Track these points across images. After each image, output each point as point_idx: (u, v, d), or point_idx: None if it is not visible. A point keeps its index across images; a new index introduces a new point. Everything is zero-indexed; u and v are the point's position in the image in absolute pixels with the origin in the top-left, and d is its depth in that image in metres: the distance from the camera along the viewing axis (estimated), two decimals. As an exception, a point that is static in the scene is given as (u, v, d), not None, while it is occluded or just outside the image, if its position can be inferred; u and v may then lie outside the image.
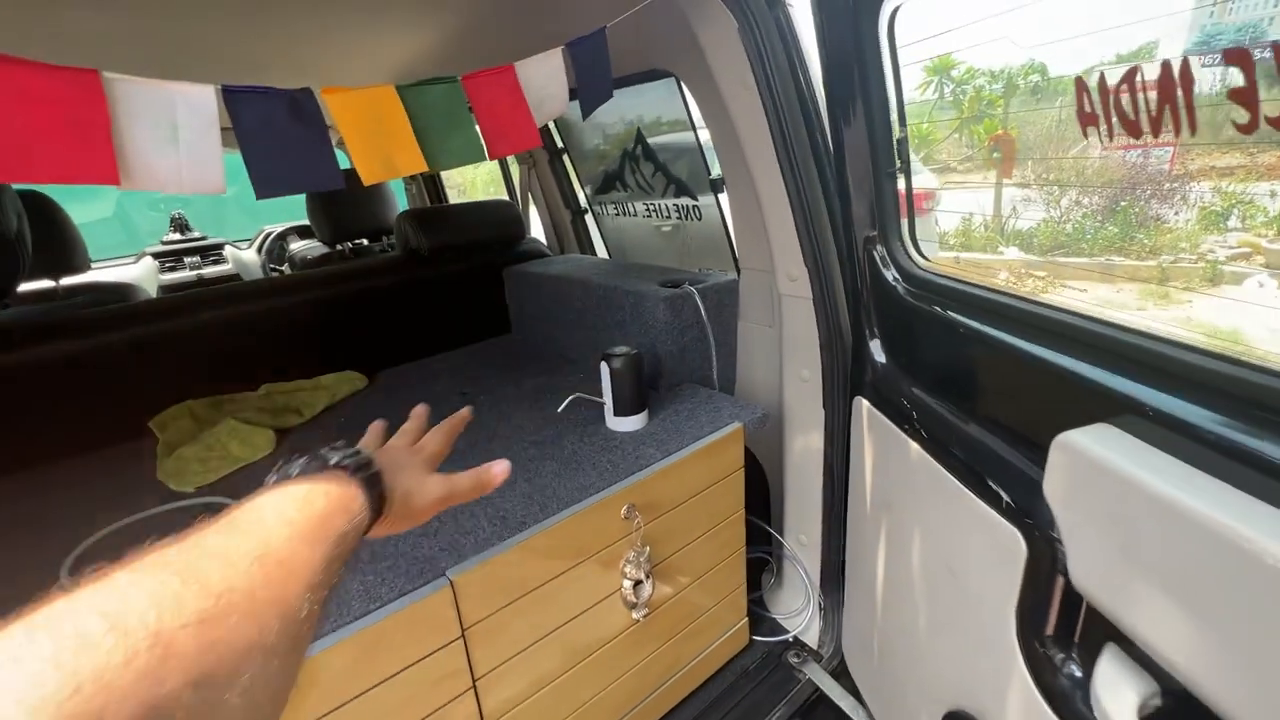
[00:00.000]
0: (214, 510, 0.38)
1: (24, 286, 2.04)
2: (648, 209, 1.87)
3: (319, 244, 3.56)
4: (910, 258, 0.96)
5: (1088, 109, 0.56)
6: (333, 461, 0.47)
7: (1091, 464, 0.57)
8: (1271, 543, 0.43)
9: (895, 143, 0.90)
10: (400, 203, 2.77)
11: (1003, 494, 0.73)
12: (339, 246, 2.76)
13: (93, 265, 2.43)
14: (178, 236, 3.46)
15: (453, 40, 1.46)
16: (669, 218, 1.81)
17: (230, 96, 0.69)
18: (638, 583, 1.09)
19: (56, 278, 1.94)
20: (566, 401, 1.22)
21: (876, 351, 1.06)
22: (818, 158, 1.12)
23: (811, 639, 1.45)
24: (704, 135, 1.59)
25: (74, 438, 1.33)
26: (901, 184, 0.95)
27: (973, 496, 0.77)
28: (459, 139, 0.88)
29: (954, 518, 0.82)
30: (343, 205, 2.35)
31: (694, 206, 1.71)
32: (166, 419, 1.36)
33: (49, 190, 1.83)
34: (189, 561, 0.30)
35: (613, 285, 1.50)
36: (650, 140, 1.73)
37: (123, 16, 1.06)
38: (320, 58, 1.54)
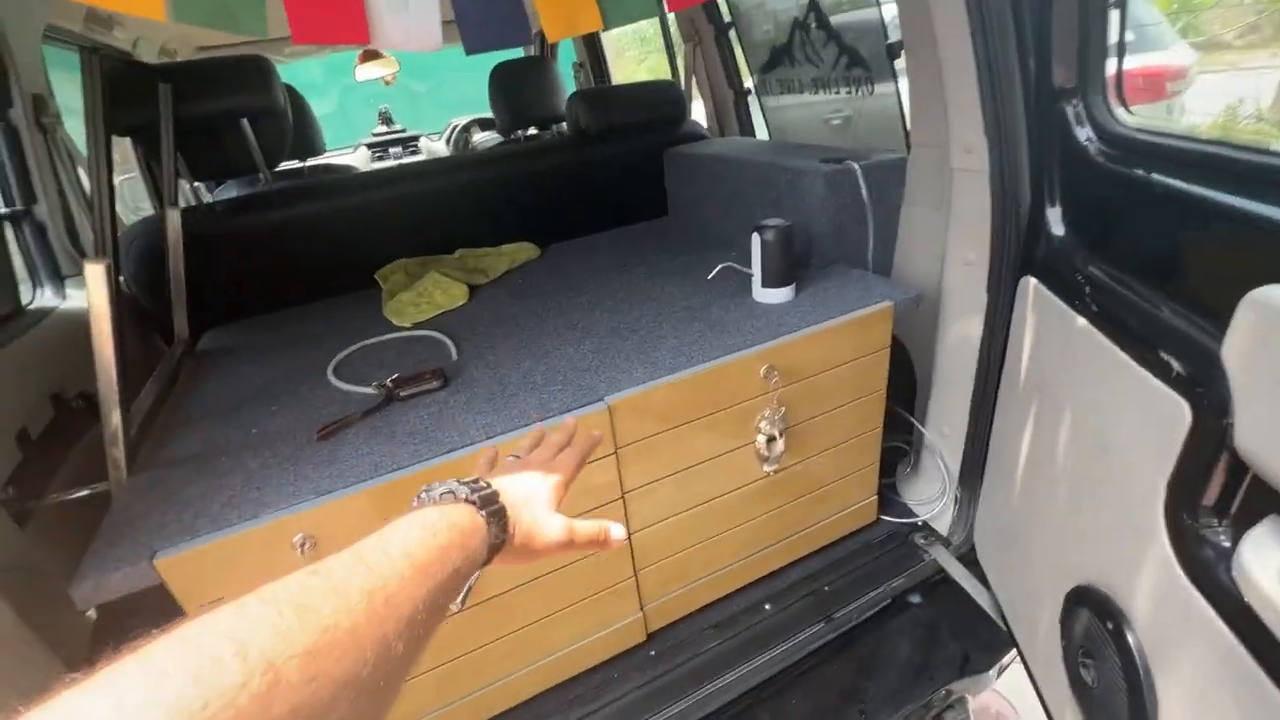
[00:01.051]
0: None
1: (281, 166, 2.51)
2: (815, 86, 1.77)
3: (496, 135, 3.85)
4: (1111, 114, 0.85)
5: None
6: (462, 496, 0.48)
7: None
8: None
9: (1112, -30, 0.78)
10: (569, 89, 2.87)
11: (1174, 364, 0.68)
12: (514, 134, 2.96)
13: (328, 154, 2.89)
14: (384, 129, 3.93)
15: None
16: (838, 93, 1.70)
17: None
18: (771, 439, 1.18)
19: (303, 159, 2.35)
20: (717, 269, 1.28)
21: (1054, 224, 0.98)
22: (1015, 1, 0.99)
23: (942, 527, 1.46)
24: (887, 10, 1.46)
25: (322, 283, 1.68)
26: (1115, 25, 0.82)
27: (1139, 368, 0.72)
28: (633, -4, 0.92)
29: (1115, 393, 0.78)
30: (519, 93, 2.50)
31: (866, 80, 1.59)
32: (387, 272, 1.65)
33: (294, 87, 2.18)
34: (309, 590, 0.32)
35: (769, 162, 1.49)
36: (832, 15, 1.61)
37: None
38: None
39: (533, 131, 2.92)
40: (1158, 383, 0.70)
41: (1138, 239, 0.80)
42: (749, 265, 1.29)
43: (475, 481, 0.51)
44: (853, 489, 1.41)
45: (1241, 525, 0.61)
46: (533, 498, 0.56)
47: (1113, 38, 0.85)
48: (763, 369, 1.12)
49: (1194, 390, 0.66)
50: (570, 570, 1.10)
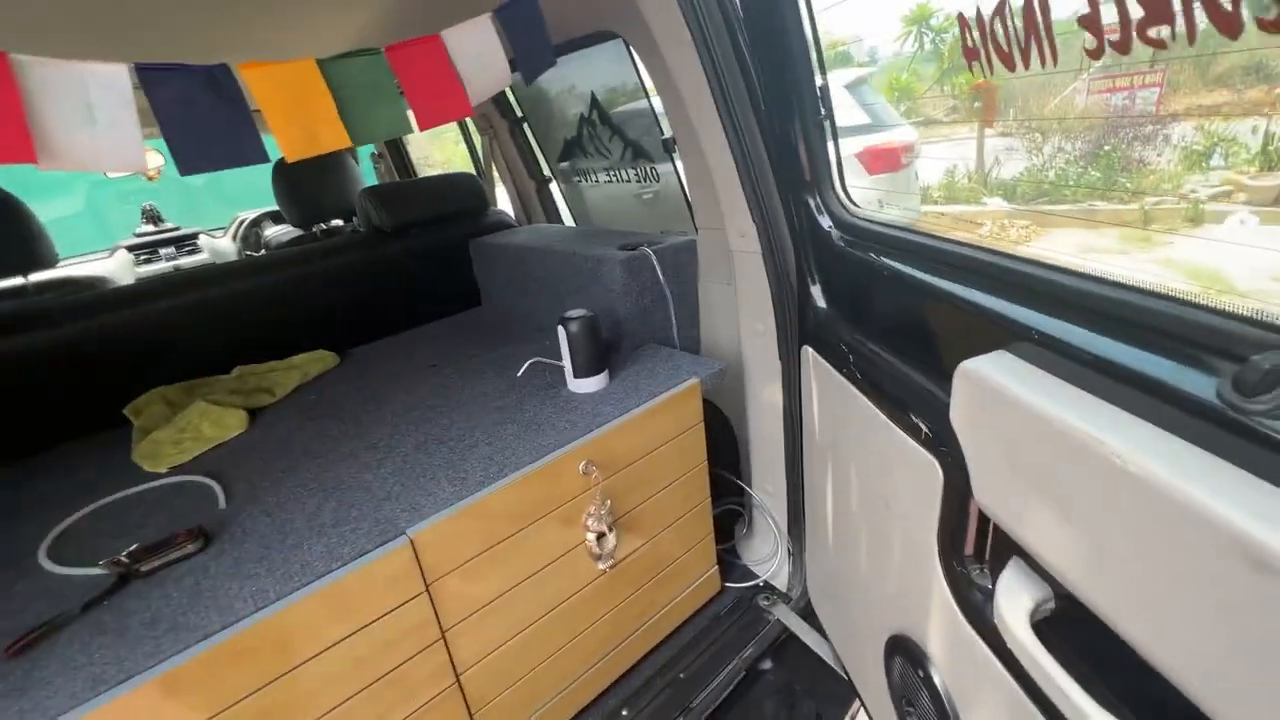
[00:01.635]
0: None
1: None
2: (608, 174, 1.87)
3: (290, 228, 3.55)
4: (842, 205, 0.98)
5: (970, 44, 0.58)
6: None
7: (985, 387, 0.60)
8: (1128, 448, 0.47)
9: (818, 90, 0.91)
10: (369, 181, 2.75)
11: (922, 425, 0.76)
12: (312, 229, 2.75)
13: (66, 261, 2.43)
14: (151, 228, 3.44)
15: (379, 15, 1.44)
16: (628, 182, 1.81)
17: (144, 75, 0.70)
18: (600, 535, 1.13)
19: (25, 274, 1.95)
20: (525, 366, 1.25)
21: (818, 298, 1.09)
22: (756, 110, 1.12)
23: (781, 582, 1.51)
24: (657, 102, 1.59)
25: (50, 428, 1.36)
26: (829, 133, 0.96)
27: (898, 430, 0.80)
28: (385, 112, 0.89)
29: (885, 452, 0.85)
30: (309, 187, 2.33)
31: (652, 169, 1.71)
32: (140, 405, 1.38)
33: (8, 185, 1.82)
34: None
35: (572, 251, 1.51)
36: (611, 110, 1.72)
37: None
38: (239, 34, 1.51)
39: (336, 223, 2.74)
40: (913, 443, 0.78)
41: (878, 313, 0.91)
42: (560, 356, 1.27)
43: None
44: (693, 564, 1.40)
45: (997, 568, 0.68)
46: None
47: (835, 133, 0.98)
48: (581, 464, 1.08)
49: (939, 449, 0.73)
50: (388, 738, 0.94)
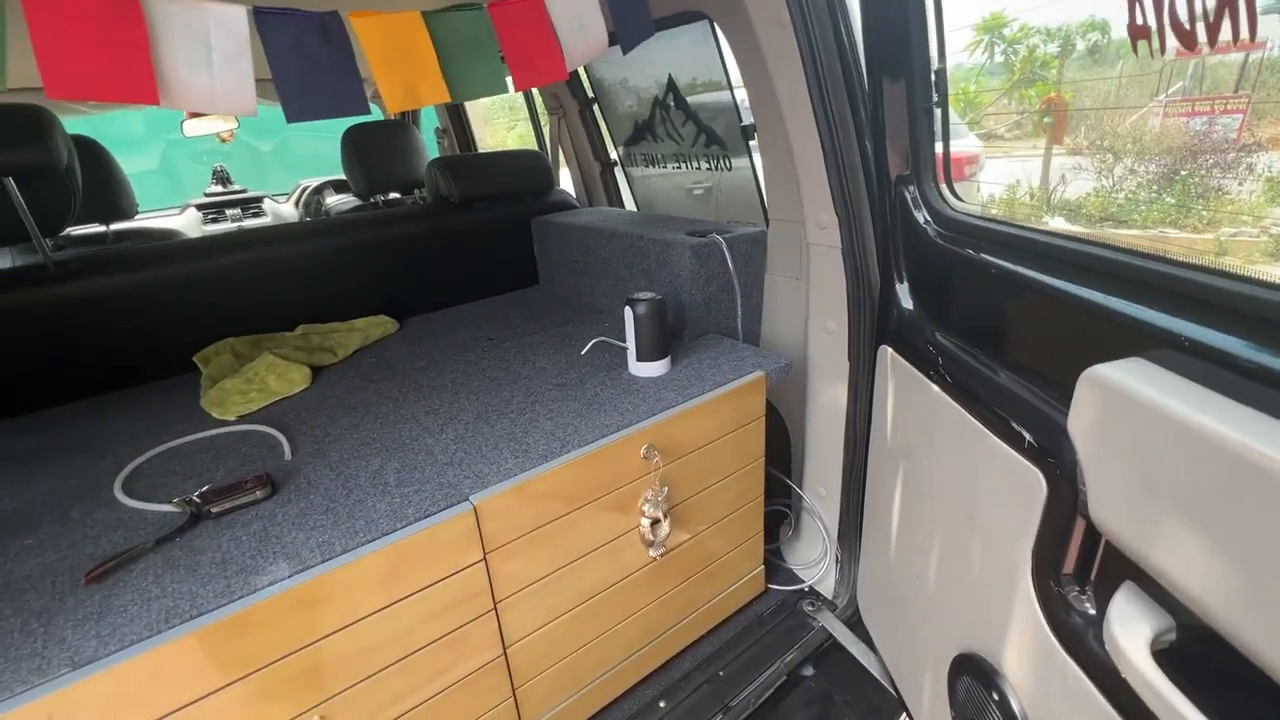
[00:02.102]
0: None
1: (76, 230, 2.14)
2: (677, 161, 1.84)
3: (353, 198, 3.62)
4: (943, 198, 0.93)
5: (1139, 20, 0.53)
6: None
7: (1118, 396, 0.56)
8: (1301, 468, 0.42)
9: (933, 75, 0.87)
10: (432, 155, 2.78)
11: (1025, 434, 0.72)
12: (372, 199, 2.79)
13: (141, 215, 2.51)
14: (219, 189, 3.55)
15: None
16: (697, 169, 1.78)
17: (260, 18, 0.69)
18: (655, 521, 1.11)
19: (106, 222, 2.02)
20: (590, 344, 1.23)
21: (903, 297, 1.04)
22: (852, 98, 1.08)
23: (827, 589, 1.47)
24: (740, 92, 1.55)
25: (125, 370, 1.40)
26: (939, 121, 0.91)
27: (995, 439, 0.76)
28: (483, 69, 0.88)
29: (974, 461, 0.81)
30: (376, 158, 2.36)
31: (724, 156, 1.67)
32: (209, 354, 1.42)
33: (97, 138, 1.89)
34: None
35: (639, 234, 1.49)
36: (688, 94, 1.69)
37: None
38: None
39: (395, 195, 2.77)
40: (1013, 453, 0.73)
41: (979, 314, 0.86)
42: (622, 338, 1.25)
43: None
44: (740, 561, 1.37)
45: (1104, 592, 0.64)
46: None
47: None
48: (643, 448, 1.06)
49: (1046, 461, 0.69)
50: (441, 703, 0.94)
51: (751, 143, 1.57)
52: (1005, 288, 0.78)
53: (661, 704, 1.22)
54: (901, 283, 1.04)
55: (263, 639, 0.75)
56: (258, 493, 0.91)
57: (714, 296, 1.41)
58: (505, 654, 1.00)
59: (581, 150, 2.14)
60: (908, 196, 0.97)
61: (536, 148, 2.51)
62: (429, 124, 3.24)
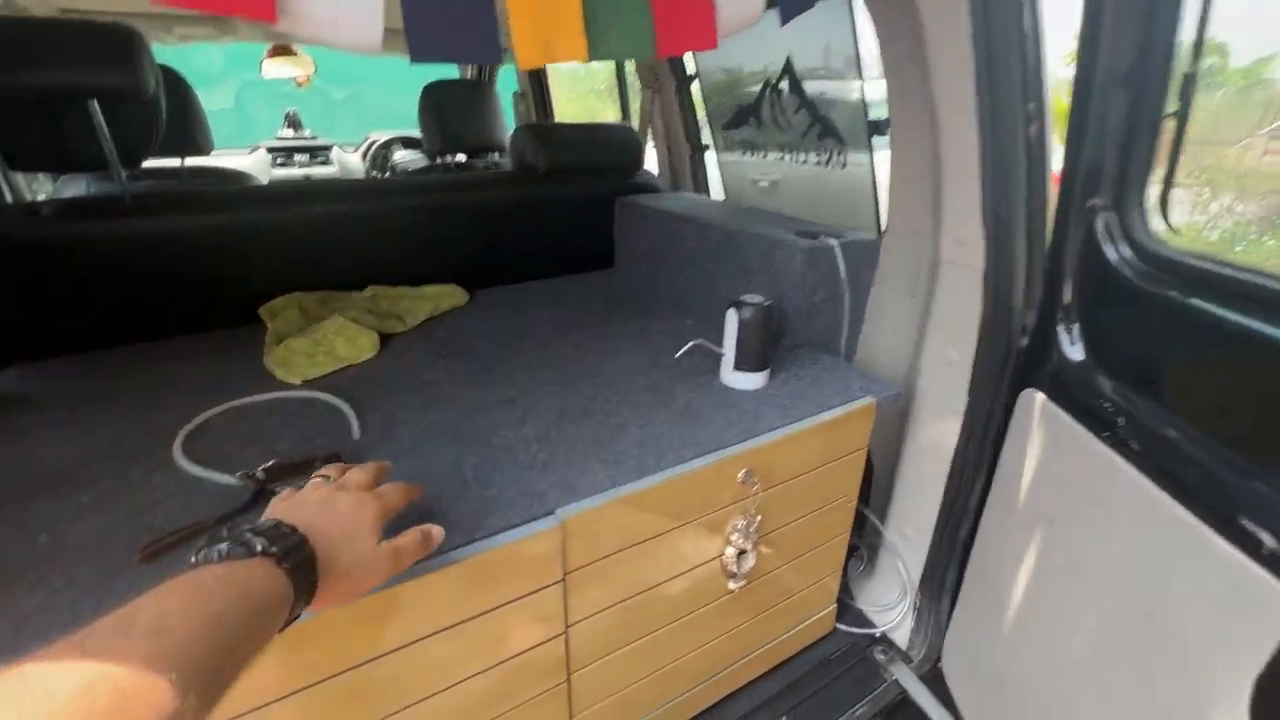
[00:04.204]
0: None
1: (151, 163, 2.11)
2: (782, 151, 1.69)
3: (421, 156, 3.55)
4: (1148, 232, 0.78)
5: None
6: (258, 549, 0.44)
7: None
8: None
9: (1182, 77, 0.71)
10: (508, 123, 2.69)
11: (1264, 537, 0.58)
12: (442, 159, 2.72)
13: (215, 153, 2.48)
14: (290, 133, 3.52)
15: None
16: (804, 161, 1.63)
17: (398, -62, 0.59)
18: (742, 552, 1.00)
19: (182, 156, 1.98)
20: (687, 347, 1.11)
21: (1068, 340, 0.90)
22: (1027, 98, 0.93)
23: (900, 638, 1.34)
24: (873, 85, 1.40)
25: (188, 315, 1.34)
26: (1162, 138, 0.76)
27: (1211, 533, 0.62)
28: (628, 28, 0.76)
29: (1169, 554, 0.67)
30: (454, 116, 2.28)
31: (839, 150, 1.52)
32: (276, 307, 1.35)
33: (179, 71, 1.83)
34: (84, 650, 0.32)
35: (740, 229, 1.36)
36: (805, 79, 1.54)
37: None
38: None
39: (461, 158, 2.69)
40: (1240, 556, 0.59)
41: (1196, 380, 0.71)
42: (709, 338, 1.13)
43: (277, 526, 0.47)
44: (814, 599, 1.26)
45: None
46: (353, 532, 0.52)
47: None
48: (741, 472, 0.95)
49: (1296, 576, 0.55)
50: (490, 728, 0.85)
51: (875, 139, 1.42)
52: (1246, 352, 0.64)
53: (719, 746, 1.12)
54: (1070, 323, 0.90)
55: (320, 653, 0.67)
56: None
57: (817, 307, 1.28)
58: (569, 679, 0.91)
59: (673, 130, 2.01)
60: (1100, 225, 0.82)
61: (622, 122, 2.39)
62: (509, 86, 3.14)
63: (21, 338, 1.17)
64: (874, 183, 1.46)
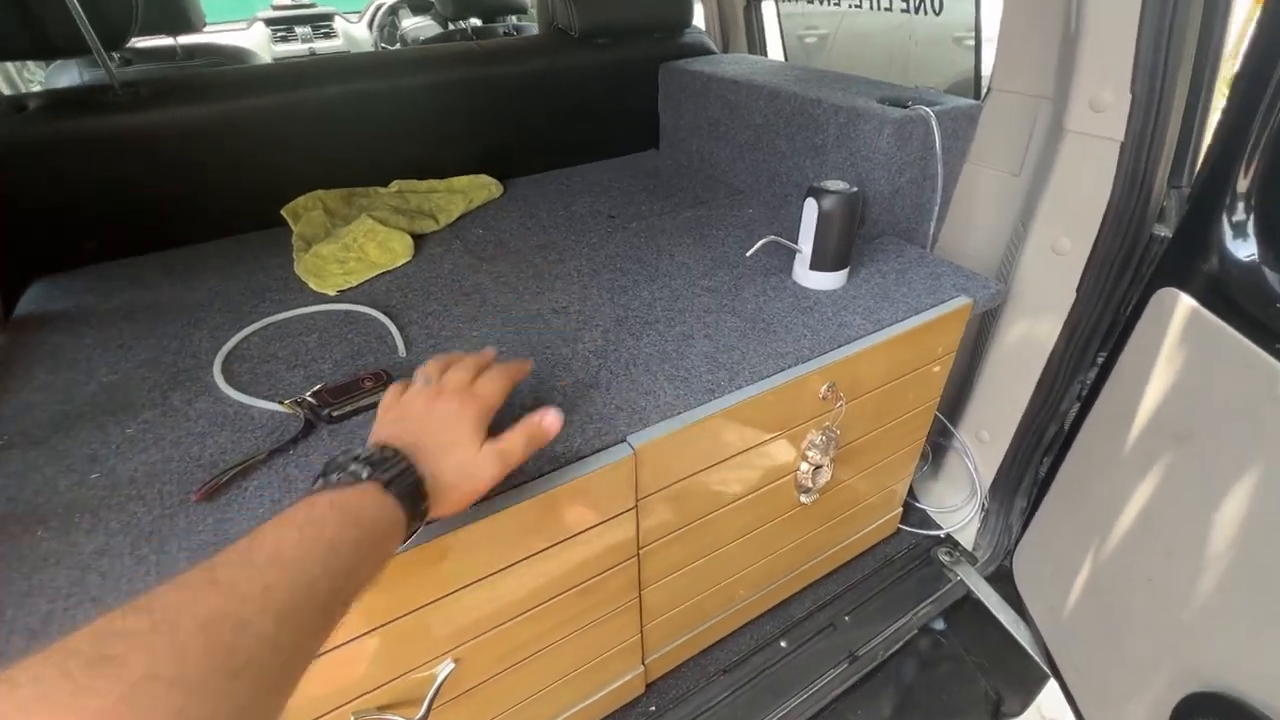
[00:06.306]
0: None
1: (143, 43, 1.91)
2: (857, -5, 1.42)
3: (430, 22, 3.20)
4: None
5: None
6: (365, 477, 0.45)
7: None
8: None
9: None
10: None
11: None
12: (455, 25, 2.43)
13: (208, 28, 2.23)
14: (289, 2, 3.18)
15: None
16: (888, 10, 1.37)
17: None
18: (818, 467, 0.94)
19: (174, 34, 1.78)
20: (759, 244, 0.98)
21: (1235, 234, 0.74)
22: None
23: (965, 539, 1.31)
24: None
25: (200, 218, 1.24)
26: None
27: None
28: None
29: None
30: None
31: (934, -8, 1.26)
32: (299, 207, 1.24)
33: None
34: (120, 635, 0.30)
35: (813, 97, 1.16)
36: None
37: None
38: None
39: (476, 23, 2.39)
40: None
41: None
42: (776, 230, 0.99)
43: (381, 452, 0.48)
44: (882, 504, 1.22)
45: None
46: (453, 440, 0.52)
47: None
48: (824, 387, 0.86)
49: None
50: (569, 643, 0.85)
51: (983, -25, 1.16)
52: None
53: (783, 644, 1.13)
54: (1239, 213, 0.73)
55: (394, 595, 0.64)
56: (378, 396, 0.76)
57: (902, 190, 1.12)
58: (640, 596, 0.90)
59: (723, -25, 1.71)
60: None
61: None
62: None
63: (27, 251, 1.10)
64: (979, 32, 1.22)
